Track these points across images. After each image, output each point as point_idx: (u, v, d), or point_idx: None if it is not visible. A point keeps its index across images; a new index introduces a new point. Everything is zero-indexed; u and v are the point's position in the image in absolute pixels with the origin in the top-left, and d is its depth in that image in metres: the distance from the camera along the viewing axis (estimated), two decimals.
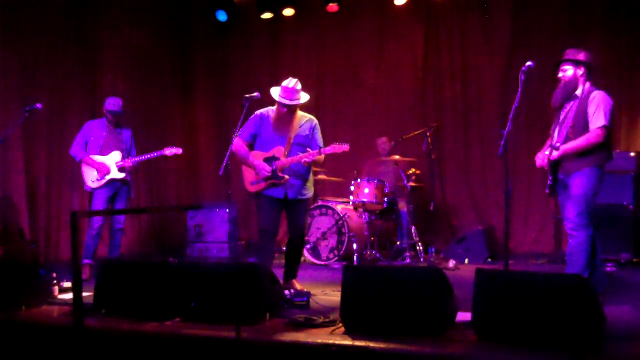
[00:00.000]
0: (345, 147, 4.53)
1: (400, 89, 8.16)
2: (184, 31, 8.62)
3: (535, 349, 2.90)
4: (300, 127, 4.73)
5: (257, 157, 4.69)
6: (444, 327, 3.18)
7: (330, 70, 8.55)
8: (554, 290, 2.98)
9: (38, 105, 5.53)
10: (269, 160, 4.66)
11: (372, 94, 8.33)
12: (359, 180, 6.54)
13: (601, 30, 6.97)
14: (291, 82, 4.62)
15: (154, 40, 8.10)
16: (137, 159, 5.83)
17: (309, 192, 4.83)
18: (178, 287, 3.78)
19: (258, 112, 4.81)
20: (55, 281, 4.58)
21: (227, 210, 7.07)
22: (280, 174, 4.62)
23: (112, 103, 5.84)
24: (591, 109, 4.05)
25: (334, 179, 7.29)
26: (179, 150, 5.91)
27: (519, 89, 3.82)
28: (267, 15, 8.42)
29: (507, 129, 3.78)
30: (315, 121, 4.82)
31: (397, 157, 6.85)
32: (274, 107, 4.72)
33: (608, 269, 5.74)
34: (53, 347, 3.63)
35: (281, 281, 4.23)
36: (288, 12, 8.29)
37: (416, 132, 6.84)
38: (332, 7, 8.00)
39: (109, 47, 7.50)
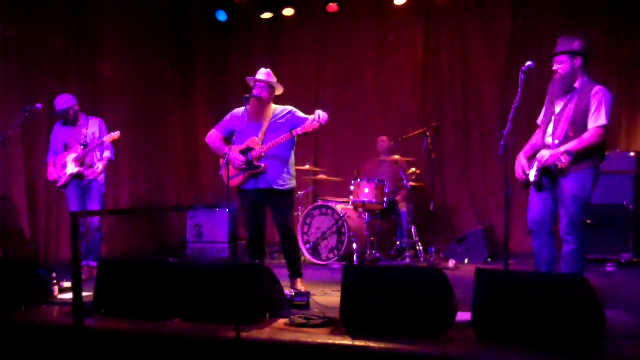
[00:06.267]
0: (315, 124, 4.38)
1: (400, 89, 8.17)
2: (184, 31, 8.62)
3: (535, 349, 2.90)
4: (275, 116, 4.70)
5: (233, 152, 4.67)
6: (444, 327, 3.17)
7: (330, 70, 8.55)
8: (554, 290, 2.97)
9: (38, 105, 5.52)
10: (245, 152, 4.64)
11: (372, 93, 8.33)
12: (359, 180, 6.54)
13: (601, 30, 6.97)
14: (266, 69, 4.73)
15: (153, 41, 8.09)
16: (86, 151, 5.66)
17: (289, 183, 4.70)
18: (178, 287, 3.78)
19: (236, 109, 4.84)
20: (55, 281, 4.57)
21: (227, 210, 7.07)
22: (256, 163, 4.59)
23: (57, 102, 5.67)
24: (592, 106, 3.87)
25: (334, 179, 7.29)
26: (117, 134, 5.58)
27: (519, 89, 3.79)
28: (267, 15, 8.43)
29: (507, 129, 3.75)
30: (292, 108, 4.76)
31: (397, 157, 6.85)
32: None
33: (608, 269, 5.75)
34: (53, 347, 3.63)
35: (285, 281, 4.22)
36: (288, 12, 8.30)
37: (416, 132, 6.83)
38: (332, 7, 8.00)
39: (108, 47, 7.49)
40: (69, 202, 5.77)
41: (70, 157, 5.70)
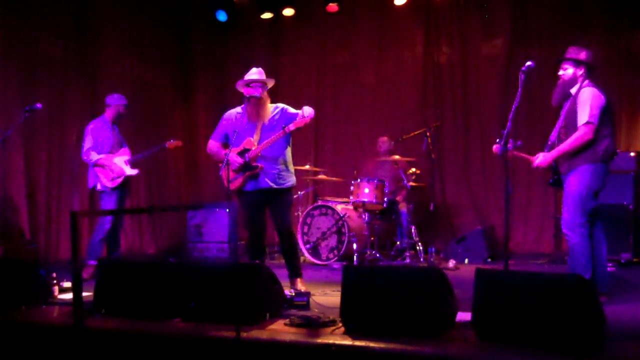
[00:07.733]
0: (306, 119, 4.42)
1: (400, 89, 8.17)
2: (184, 31, 8.62)
3: (535, 349, 2.90)
4: (271, 115, 4.73)
5: (231, 154, 4.68)
6: (444, 327, 3.18)
7: (331, 71, 8.56)
8: (554, 290, 2.97)
9: (38, 105, 5.53)
10: (242, 153, 4.66)
11: (372, 94, 8.34)
12: (359, 180, 6.54)
13: (601, 30, 6.97)
14: (257, 68, 4.79)
15: (153, 41, 8.10)
16: (143, 154, 5.94)
17: (289, 180, 4.73)
18: (178, 287, 3.78)
19: (227, 112, 4.88)
20: (55, 281, 4.58)
21: (227, 210, 7.07)
22: (253, 164, 4.61)
23: (120, 97, 5.92)
24: (578, 106, 4.03)
25: (334, 179, 7.29)
26: (179, 142, 6.12)
27: (519, 89, 3.82)
28: (267, 15, 8.43)
29: (507, 129, 3.78)
30: (283, 105, 4.80)
31: (397, 157, 6.85)
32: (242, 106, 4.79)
33: (608, 269, 5.74)
34: (53, 347, 3.63)
35: (285, 281, 4.22)
36: (288, 12, 8.30)
37: (416, 132, 6.84)
38: (332, 7, 8.00)
39: (108, 48, 7.50)
40: (110, 203, 5.73)
41: (121, 159, 5.81)
